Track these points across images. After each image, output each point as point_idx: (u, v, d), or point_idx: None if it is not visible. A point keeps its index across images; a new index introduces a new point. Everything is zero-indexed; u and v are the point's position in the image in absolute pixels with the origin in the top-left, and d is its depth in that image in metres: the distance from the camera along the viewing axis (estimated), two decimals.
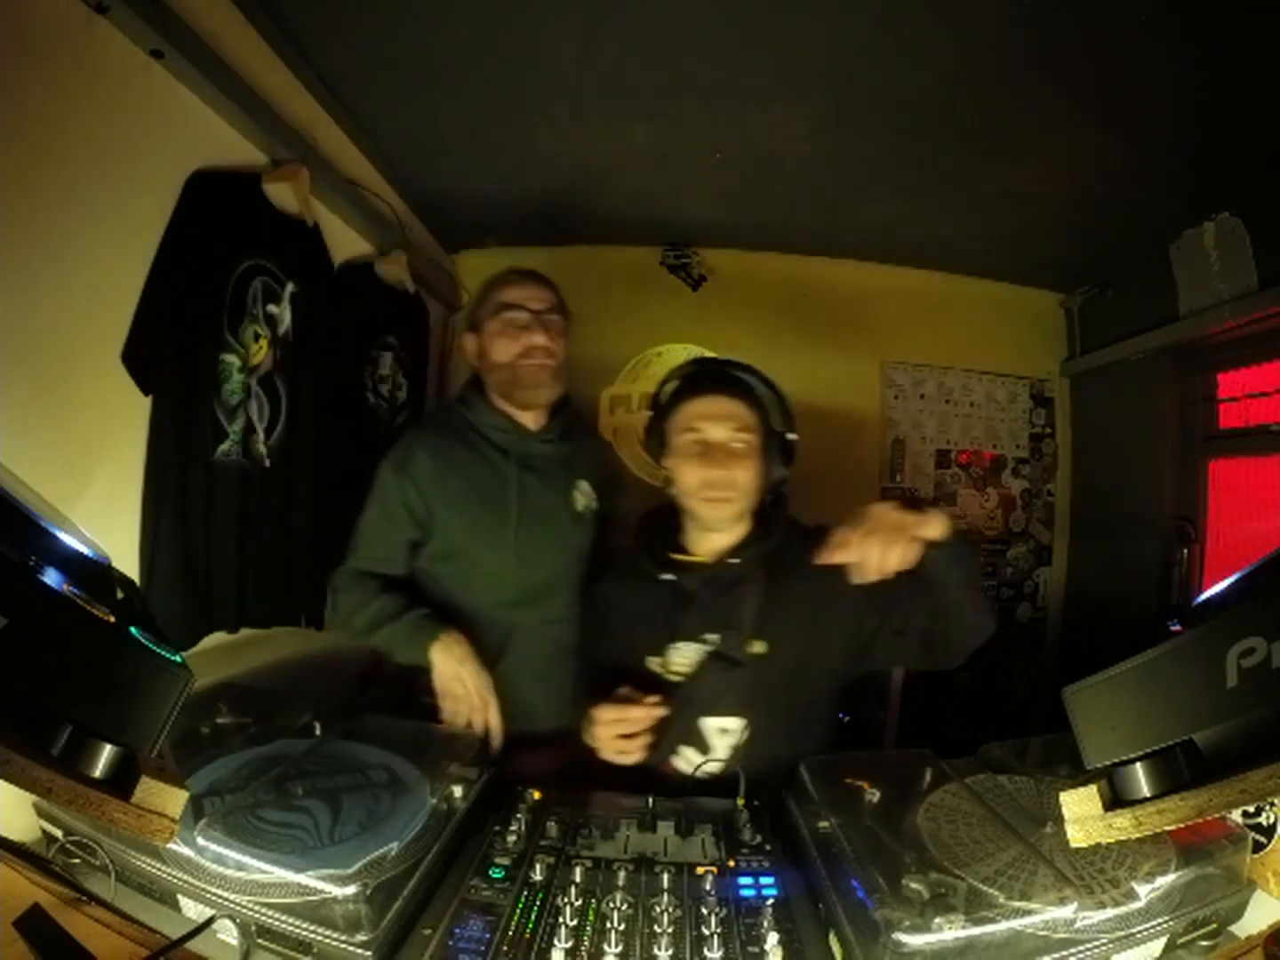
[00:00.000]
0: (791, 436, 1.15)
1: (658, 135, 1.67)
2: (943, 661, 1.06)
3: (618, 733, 1.02)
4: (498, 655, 1.25)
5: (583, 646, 1.27)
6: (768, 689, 1.08)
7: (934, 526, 0.90)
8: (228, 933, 0.72)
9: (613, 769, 1.05)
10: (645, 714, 1.02)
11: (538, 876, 0.79)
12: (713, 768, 1.08)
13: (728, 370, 1.16)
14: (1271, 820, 0.81)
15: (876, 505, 0.91)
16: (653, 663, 1.12)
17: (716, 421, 1.09)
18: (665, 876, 0.80)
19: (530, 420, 1.32)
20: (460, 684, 1.15)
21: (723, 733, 1.09)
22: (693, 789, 1.04)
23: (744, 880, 0.81)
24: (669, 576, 1.12)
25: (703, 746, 1.10)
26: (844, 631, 1.09)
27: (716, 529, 1.13)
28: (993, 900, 0.71)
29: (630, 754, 1.03)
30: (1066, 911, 0.69)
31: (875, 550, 0.86)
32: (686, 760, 1.10)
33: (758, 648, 1.08)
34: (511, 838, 0.86)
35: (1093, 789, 0.52)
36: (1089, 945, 0.70)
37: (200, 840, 0.74)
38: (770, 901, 0.77)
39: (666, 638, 1.11)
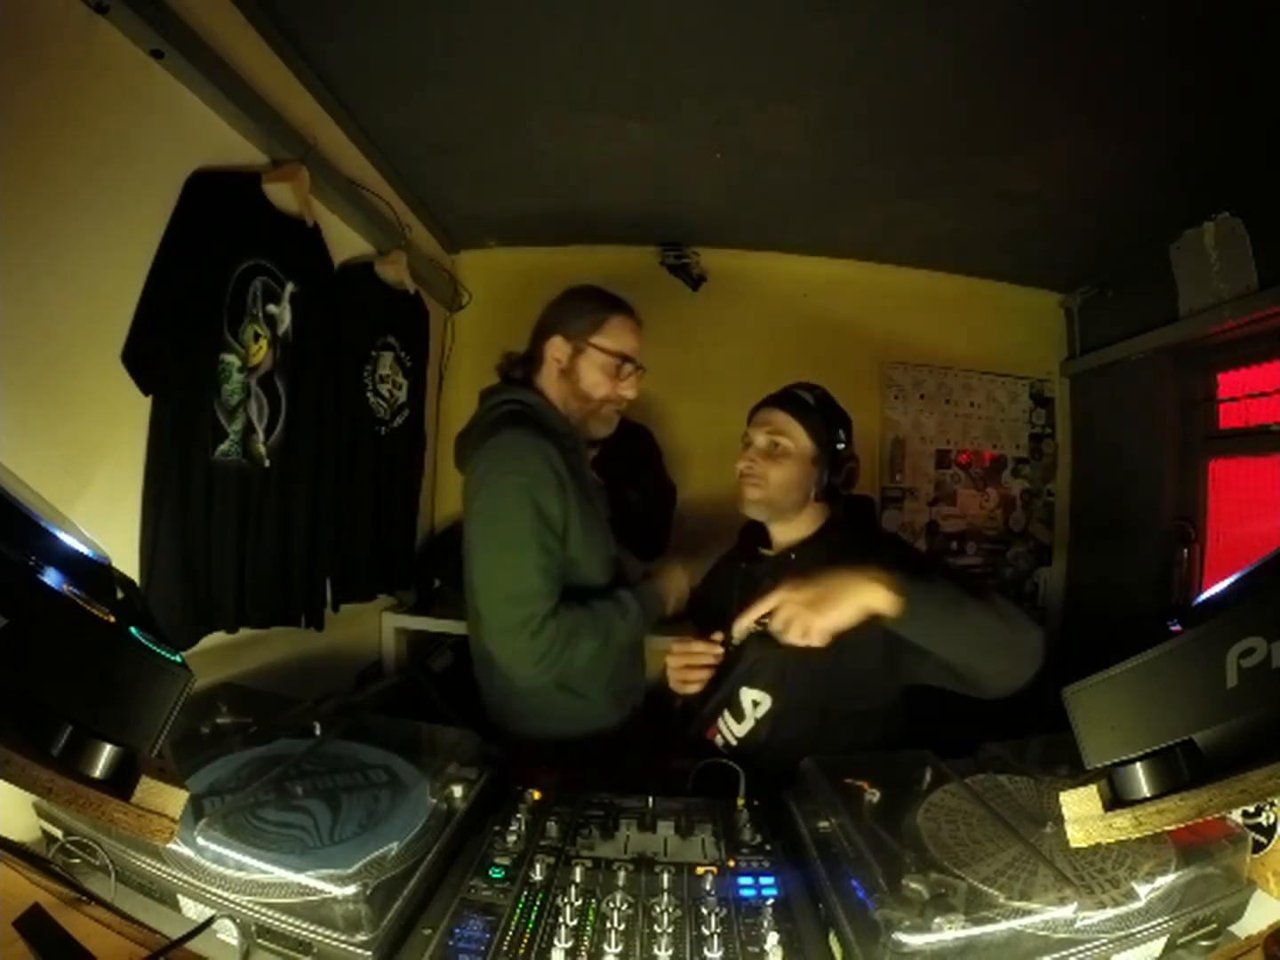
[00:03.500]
0: (840, 446, 1.26)
1: (658, 135, 1.67)
2: (978, 693, 1.08)
3: (683, 664, 1.19)
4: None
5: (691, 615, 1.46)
6: (799, 672, 1.19)
7: (872, 601, 0.97)
8: (228, 933, 0.72)
9: (666, 736, 1.28)
10: (706, 648, 1.18)
11: (538, 876, 0.79)
12: (740, 731, 1.24)
13: (790, 389, 1.32)
14: (1271, 820, 0.81)
15: (781, 592, 1.01)
16: (717, 637, 1.27)
17: (758, 427, 1.28)
18: (665, 876, 0.80)
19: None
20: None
21: (755, 704, 1.23)
22: (694, 788, 1.04)
23: (744, 880, 0.81)
24: (743, 565, 1.34)
25: (739, 714, 1.24)
26: (874, 636, 1.12)
27: (749, 512, 1.30)
28: (993, 900, 0.71)
29: (690, 685, 1.20)
30: (1066, 911, 0.69)
31: (785, 629, 1.00)
32: (726, 725, 1.26)
33: None
34: (511, 838, 0.86)
35: (1093, 789, 0.52)
36: (1089, 945, 0.69)
37: (200, 840, 0.73)
38: (770, 901, 0.77)
39: (730, 617, 1.23)
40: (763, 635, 1.18)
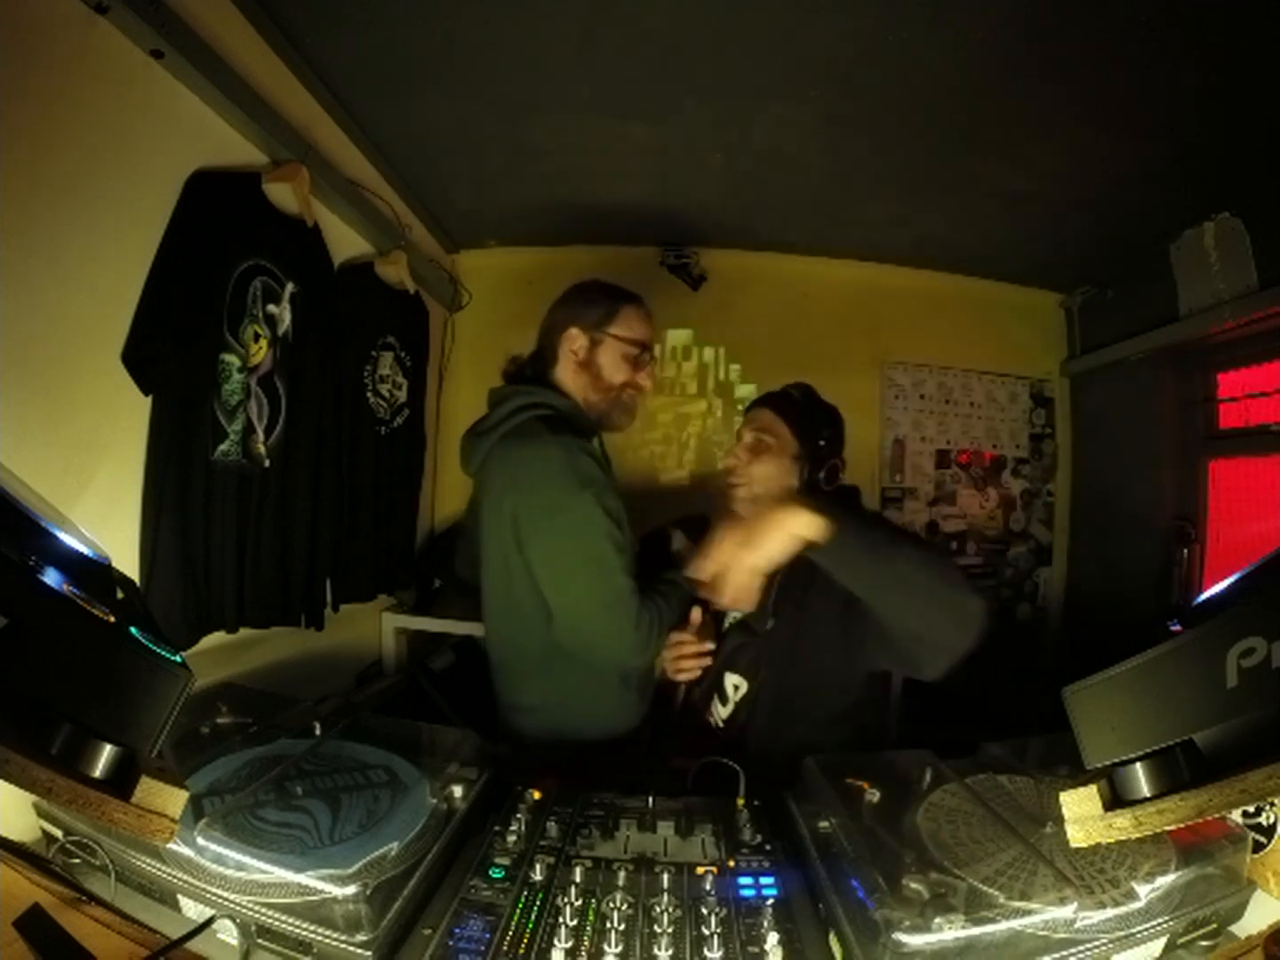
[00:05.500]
0: (821, 442, 1.28)
1: (658, 135, 1.67)
2: (920, 668, 1.06)
3: (676, 654, 1.29)
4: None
5: None
6: (773, 658, 1.24)
7: (797, 532, 0.97)
8: (228, 933, 0.72)
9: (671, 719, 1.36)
10: (695, 643, 1.29)
11: (538, 876, 0.79)
12: (724, 714, 1.29)
13: (783, 389, 1.38)
14: (1271, 820, 0.81)
15: (715, 543, 1.03)
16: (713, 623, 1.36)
17: (747, 425, 1.34)
18: (665, 876, 0.80)
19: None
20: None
21: (735, 689, 1.29)
22: (693, 789, 1.04)
23: (744, 880, 0.81)
24: None
25: (723, 697, 1.30)
26: (837, 620, 1.16)
27: (740, 511, 1.28)
28: (993, 900, 0.71)
29: (684, 673, 1.31)
30: (1066, 911, 0.69)
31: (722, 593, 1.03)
32: (714, 709, 1.32)
33: (770, 623, 1.25)
34: (511, 838, 0.86)
35: (1093, 789, 0.52)
36: (1089, 945, 0.69)
37: (200, 840, 0.73)
38: (770, 901, 0.77)
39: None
40: (742, 622, 1.30)
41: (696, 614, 1.28)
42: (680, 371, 2.47)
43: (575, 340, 1.29)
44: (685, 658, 1.29)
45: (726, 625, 1.35)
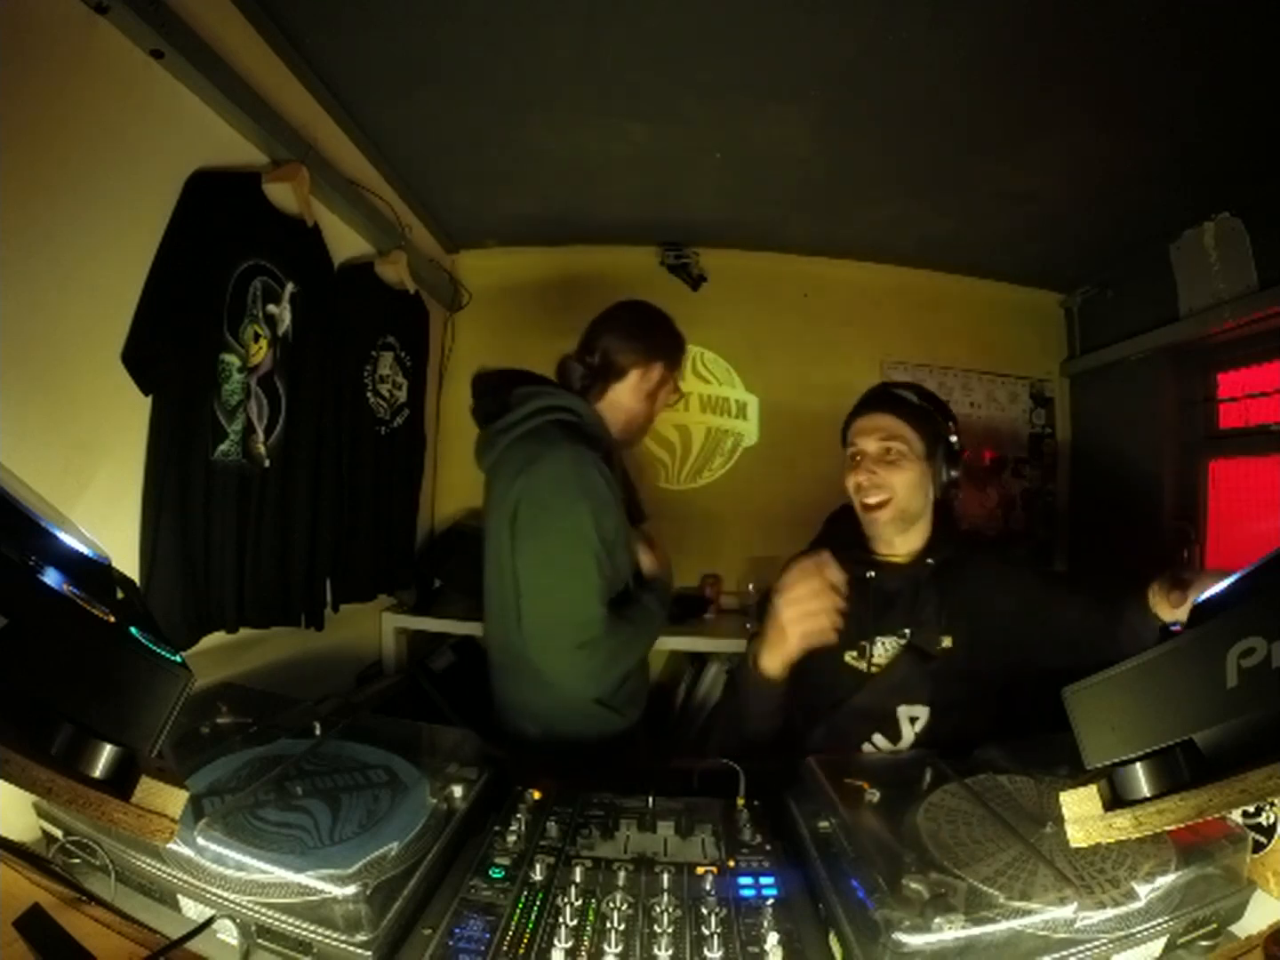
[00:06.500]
0: (952, 439, 1.22)
1: (658, 135, 1.67)
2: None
3: (808, 607, 1.01)
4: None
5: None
6: (951, 679, 1.16)
7: None
8: (228, 933, 0.72)
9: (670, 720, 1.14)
10: (825, 580, 1.02)
11: (538, 876, 0.79)
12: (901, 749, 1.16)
13: (887, 389, 1.28)
14: (1271, 820, 0.81)
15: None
16: (849, 655, 1.20)
17: (867, 435, 1.21)
18: (665, 876, 0.80)
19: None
20: None
21: (912, 720, 1.18)
22: (697, 788, 1.04)
23: (744, 880, 0.81)
24: (871, 574, 1.21)
25: (895, 734, 1.17)
26: (1010, 631, 1.16)
27: (875, 533, 1.22)
28: (993, 900, 0.70)
29: (814, 627, 1.01)
30: (1066, 911, 0.69)
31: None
32: (876, 748, 1.18)
33: (946, 642, 1.17)
34: (511, 838, 0.86)
35: (1093, 789, 0.52)
36: (1089, 945, 0.69)
37: (200, 840, 0.73)
38: (770, 901, 0.77)
39: (870, 632, 1.19)
40: (909, 648, 1.18)
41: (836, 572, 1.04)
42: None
43: (657, 373, 1.35)
44: (814, 607, 1.01)
45: (881, 657, 1.19)
